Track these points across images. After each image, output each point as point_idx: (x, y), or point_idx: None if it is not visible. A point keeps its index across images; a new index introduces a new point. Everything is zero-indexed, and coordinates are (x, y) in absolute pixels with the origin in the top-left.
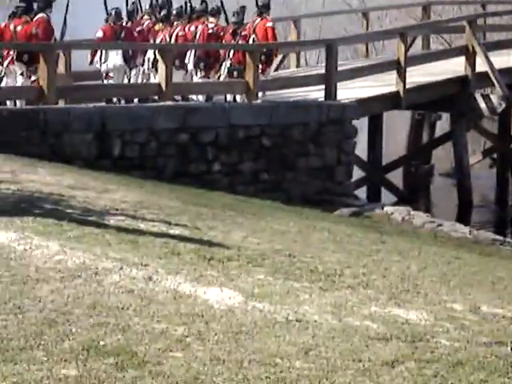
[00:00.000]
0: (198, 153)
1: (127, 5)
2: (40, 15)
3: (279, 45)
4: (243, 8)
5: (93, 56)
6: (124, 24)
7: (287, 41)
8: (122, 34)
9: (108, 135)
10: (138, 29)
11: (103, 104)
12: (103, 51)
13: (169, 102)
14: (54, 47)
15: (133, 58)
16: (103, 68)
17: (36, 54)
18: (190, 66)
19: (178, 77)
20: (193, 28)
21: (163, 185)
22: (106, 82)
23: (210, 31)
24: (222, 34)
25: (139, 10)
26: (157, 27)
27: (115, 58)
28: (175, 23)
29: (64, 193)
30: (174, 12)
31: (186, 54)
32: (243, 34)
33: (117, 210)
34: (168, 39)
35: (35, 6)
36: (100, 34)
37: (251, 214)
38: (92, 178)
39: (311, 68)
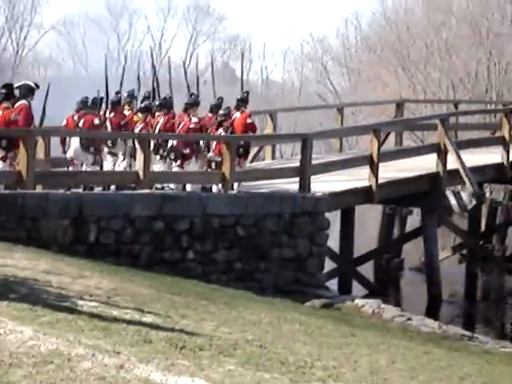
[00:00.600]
0: (173, 241)
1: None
2: (21, 102)
3: (256, 138)
4: (221, 99)
5: (62, 144)
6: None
7: (264, 134)
8: (81, 123)
9: (84, 221)
10: (122, 122)
11: (80, 190)
12: (67, 138)
13: (146, 190)
14: (34, 133)
15: (94, 145)
16: (68, 155)
17: (14, 139)
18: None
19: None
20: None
21: (138, 272)
22: (70, 168)
23: (192, 125)
24: (202, 126)
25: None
26: (136, 118)
27: (75, 144)
28: (157, 114)
29: (39, 278)
30: (157, 103)
31: (166, 144)
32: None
33: (91, 296)
34: (151, 129)
35: (17, 92)
36: (64, 122)
37: (223, 304)
38: (67, 264)
39: (286, 160)
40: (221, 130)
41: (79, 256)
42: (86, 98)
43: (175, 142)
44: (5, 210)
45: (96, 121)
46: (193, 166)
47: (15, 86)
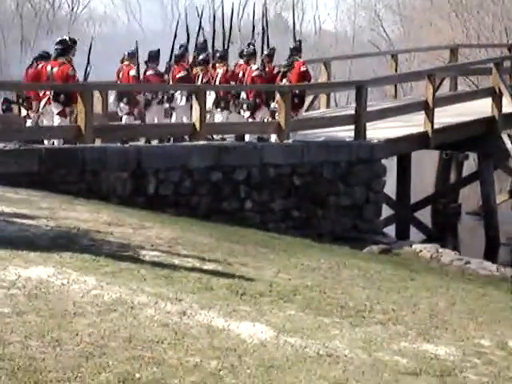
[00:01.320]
0: (231, 191)
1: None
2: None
3: (311, 86)
4: (273, 50)
5: None
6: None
7: (318, 82)
8: (121, 74)
9: (143, 173)
10: (179, 75)
11: (139, 143)
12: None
13: (202, 142)
14: (92, 88)
15: (128, 96)
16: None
17: (72, 94)
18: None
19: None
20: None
21: (197, 222)
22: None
23: (255, 73)
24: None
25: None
26: (194, 70)
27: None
28: (217, 65)
29: (101, 229)
30: (218, 55)
31: (238, 96)
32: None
33: (152, 245)
34: (211, 80)
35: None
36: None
37: (282, 251)
38: (128, 215)
39: (341, 109)
40: (285, 81)
41: (139, 208)
42: (133, 50)
43: (244, 94)
44: (65, 163)
45: (132, 72)
46: (261, 115)
47: (56, 41)
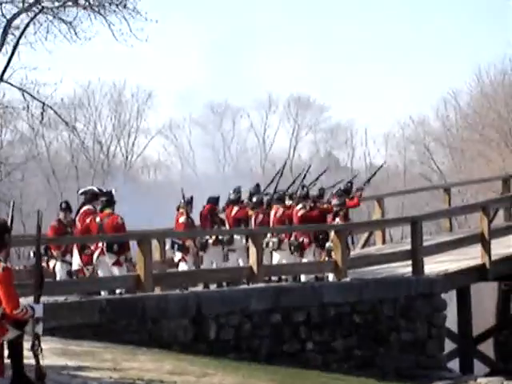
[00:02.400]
0: (291, 332)
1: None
2: (86, 207)
3: (367, 224)
4: (323, 190)
5: None
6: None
7: (373, 220)
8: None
9: (203, 319)
10: (234, 212)
11: (198, 289)
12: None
13: (261, 284)
14: (150, 236)
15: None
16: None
17: (124, 243)
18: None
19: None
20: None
21: (258, 366)
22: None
23: (300, 214)
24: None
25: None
26: (250, 212)
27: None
28: (275, 206)
29: (164, 379)
30: (275, 196)
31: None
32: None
33: None
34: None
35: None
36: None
37: None
38: (190, 363)
39: (396, 244)
40: (337, 220)
41: (201, 354)
42: (187, 198)
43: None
44: (126, 313)
45: (181, 219)
46: (311, 254)
47: (80, 191)
